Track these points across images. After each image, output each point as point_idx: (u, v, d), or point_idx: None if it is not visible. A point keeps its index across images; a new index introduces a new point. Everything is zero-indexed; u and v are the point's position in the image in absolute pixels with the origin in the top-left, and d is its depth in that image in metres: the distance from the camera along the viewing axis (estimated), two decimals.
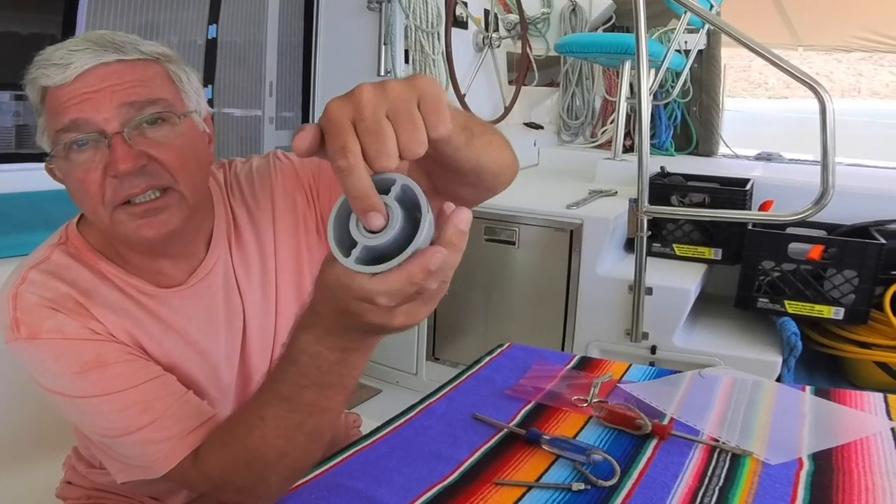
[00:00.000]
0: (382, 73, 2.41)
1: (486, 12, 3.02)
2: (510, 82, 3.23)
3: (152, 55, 0.80)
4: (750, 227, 2.14)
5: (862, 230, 2.17)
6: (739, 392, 1.02)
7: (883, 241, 2.00)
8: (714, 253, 2.27)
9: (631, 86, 2.80)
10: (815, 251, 2.03)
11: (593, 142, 3.46)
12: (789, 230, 2.13)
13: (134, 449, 0.77)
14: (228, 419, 0.79)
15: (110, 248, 0.84)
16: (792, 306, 2.07)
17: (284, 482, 0.74)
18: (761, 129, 3.42)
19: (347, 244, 0.52)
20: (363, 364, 0.66)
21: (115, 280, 0.83)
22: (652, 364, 1.96)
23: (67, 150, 0.75)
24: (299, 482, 0.79)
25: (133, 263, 0.84)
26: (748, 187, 2.34)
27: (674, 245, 2.30)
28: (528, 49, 3.22)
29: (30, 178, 1.57)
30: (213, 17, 2.34)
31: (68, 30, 1.77)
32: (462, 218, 0.52)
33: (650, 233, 1.99)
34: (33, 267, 0.81)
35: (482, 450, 0.85)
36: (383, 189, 0.51)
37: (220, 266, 0.89)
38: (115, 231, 0.78)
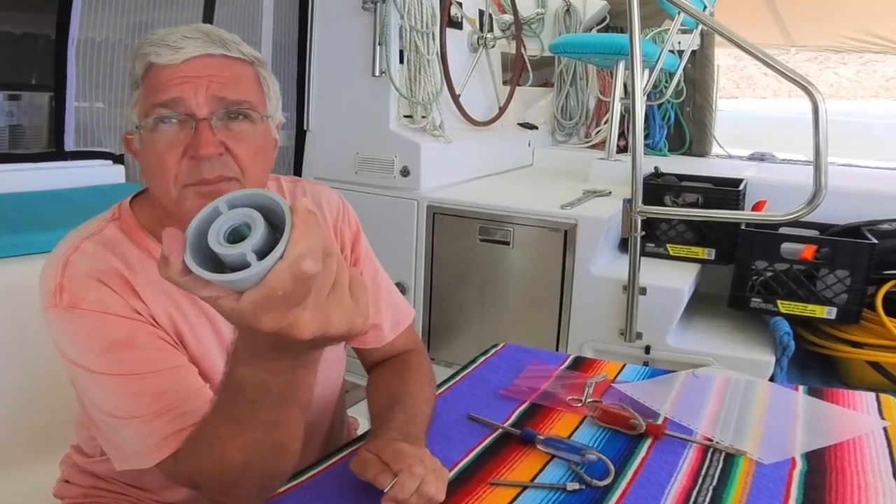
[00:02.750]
0: (377, 74, 2.40)
1: (481, 13, 3.01)
2: (505, 82, 3.23)
3: (249, 57, 0.85)
4: (743, 227, 2.15)
5: (854, 230, 2.18)
6: (733, 392, 1.03)
7: (875, 240, 2.01)
8: (707, 253, 2.27)
9: (625, 86, 2.81)
10: (808, 251, 2.04)
11: (587, 142, 3.46)
12: (782, 230, 2.14)
13: (134, 435, 0.77)
14: (195, 428, 0.77)
15: (160, 227, 0.86)
16: (785, 306, 2.08)
17: (259, 489, 0.74)
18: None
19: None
20: (312, 378, 0.67)
21: None
22: (646, 364, 1.96)
23: (157, 122, 0.80)
24: (296, 482, 0.79)
25: None
26: (741, 187, 2.35)
27: (667, 245, 2.31)
28: (522, 49, 3.22)
29: (24, 178, 1.56)
30: (208, 18, 2.34)
31: (62, 30, 1.76)
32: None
33: (644, 233, 2.00)
34: (87, 237, 0.83)
35: (477, 450, 0.85)
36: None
37: None
38: (178, 208, 0.81)
